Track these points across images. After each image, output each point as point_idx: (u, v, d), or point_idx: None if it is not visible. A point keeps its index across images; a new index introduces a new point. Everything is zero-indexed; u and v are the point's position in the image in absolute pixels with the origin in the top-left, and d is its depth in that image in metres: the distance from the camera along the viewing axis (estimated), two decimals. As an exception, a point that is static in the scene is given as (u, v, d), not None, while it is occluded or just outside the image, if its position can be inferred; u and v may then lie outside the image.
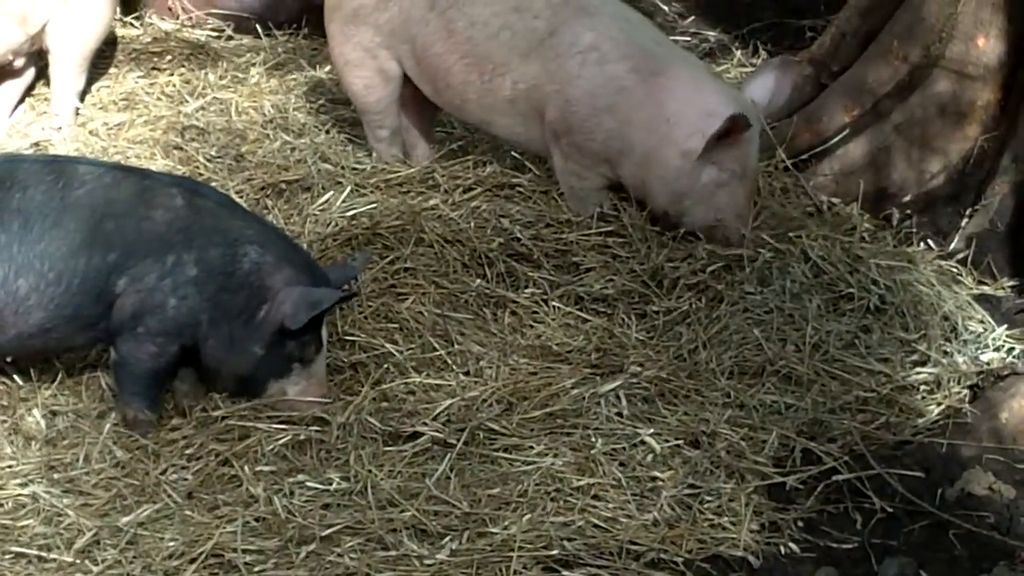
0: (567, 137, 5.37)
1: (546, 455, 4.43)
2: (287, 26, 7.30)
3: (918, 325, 5.09)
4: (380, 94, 5.76)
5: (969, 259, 5.59)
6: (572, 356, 4.86)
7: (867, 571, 4.20)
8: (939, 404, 4.77)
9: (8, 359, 4.68)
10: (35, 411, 4.63)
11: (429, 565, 4.05)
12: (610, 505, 4.27)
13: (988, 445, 4.58)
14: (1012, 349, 5.05)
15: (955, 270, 5.54)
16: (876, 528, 4.32)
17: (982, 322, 5.20)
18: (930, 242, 5.72)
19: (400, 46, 5.64)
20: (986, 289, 5.47)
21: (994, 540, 4.29)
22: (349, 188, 5.54)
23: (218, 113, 6.35)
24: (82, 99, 6.48)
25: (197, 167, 5.85)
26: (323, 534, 4.13)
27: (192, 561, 4.05)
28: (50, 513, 4.25)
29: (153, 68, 6.86)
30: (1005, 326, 5.16)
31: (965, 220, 5.79)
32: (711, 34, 7.57)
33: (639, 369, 4.78)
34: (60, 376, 4.75)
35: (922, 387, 4.83)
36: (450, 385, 4.70)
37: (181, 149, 6.02)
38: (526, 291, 5.14)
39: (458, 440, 4.45)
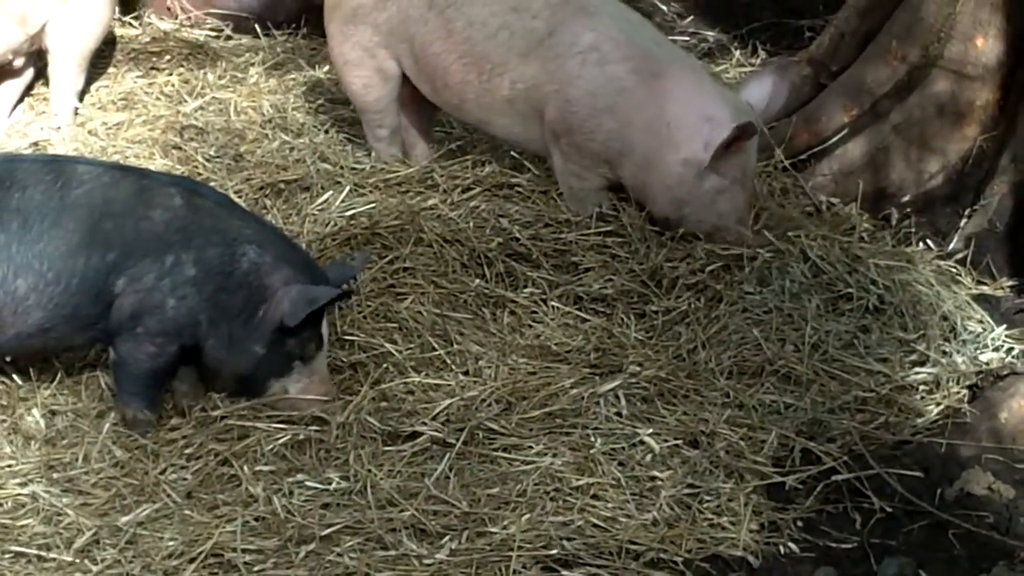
0: (567, 137, 5.37)
1: (545, 455, 4.43)
2: (286, 26, 7.30)
3: (917, 325, 5.09)
4: (379, 93, 5.76)
5: (968, 259, 5.59)
6: (571, 356, 4.86)
7: (866, 571, 4.20)
8: (938, 404, 4.77)
9: (7, 359, 4.68)
10: (34, 411, 4.63)
11: (428, 565, 4.05)
12: (609, 505, 4.27)
13: (987, 445, 4.58)
14: (1011, 349, 5.05)
15: (954, 270, 5.54)
16: (875, 528, 4.32)
17: (981, 322, 5.20)
18: (929, 242, 5.72)
19: (398, 45, 5.63)
20: (985, 289, 5.47)
21: (993, 540, 4.28)
22: (348, 188, 5.54)
23: (217, 113, 6.35)
24: (81, 99, 6.48)
25: (196, 167, 5.85)
26: (322, 534, 4.13)
27: (191, 561, 4.05)
28: (49, 512, 4.25)
29: (152, 68, 6.86)
30: (1004, 326, 5.16)
31: (964, 220, 5.79)
32: (710, 34, 7.57)
33: (638, 369, 4.78)
34: (59, 376, 4.75)
35: (921, 387, 4.84)
36: (449, 385, 4.70)
37: (180, 149, 6.02)
38: (525, 291, 5.13)
39: (457, 440, 4.45)
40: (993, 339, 5.09)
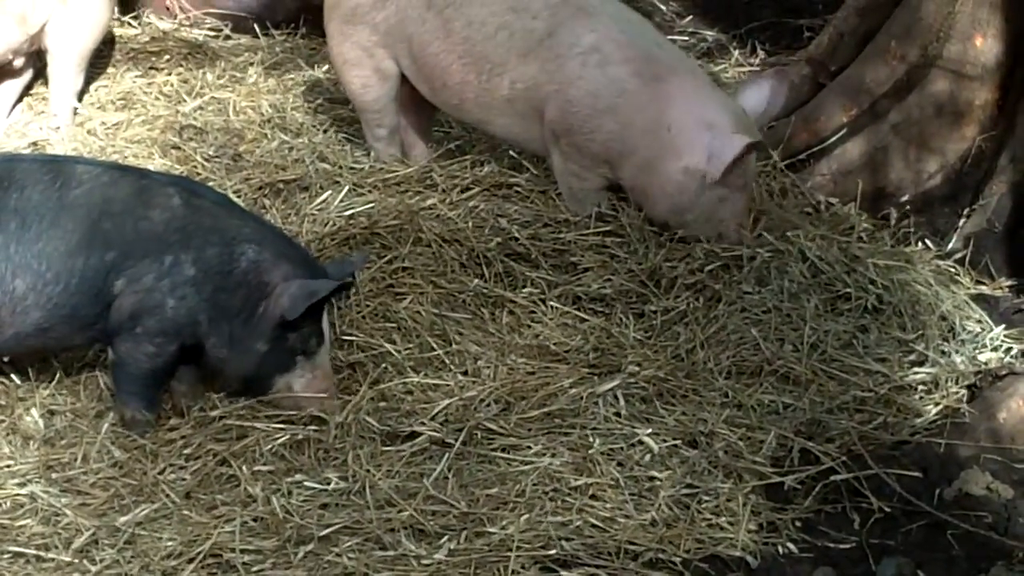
0: (567, 138, 5.37)
1: (544, 455, 4.43)
2: (285, 26, 7.30)
3: (916, 325, 5.09)
4: (377, 93, 5.76)
5: (967, 259, 5.59)
6: (570, 356, 4.86)
7: (865, 571, 4.20)
8: (937, 404, 4.77)
9: (6, 359, 4.67)
10: (33, 411, 4.63)
11: (427, 565, 4.05)
12: (608, 505, 4.27)
13: (986, 445, 4.58)
14: (1010, 349, 5.05)
15: (953, 270, 5.54)
16: (874, 528, 4.32)
17: (980, 322, 5.20)
18: (928, 242, 5.72)
19: (397, 45, 5.63)
20: (984, 289, 5.47)
21: (992, 540, 4.29)
22: (347, 187, 5.53)
23: (216, 113, 6.35)
24: (80, 99, 6.48)
25: (195, 167, 5.84)
26: (321, 534, 4.13)
27: (190, 561, 4.05)
28: (48, 513, 4.25)
29: (151, 68, 6.86)
30: (1003, 326, 5.16)
31: (963, 220, 5.79)
32: (709, 34, 7.57)
33: (637, 369, 4.78)
34: (58, 376, 4.75)
35: (920, 387, 4.83)
36: (448, 385, 4.70)
37: (179, 148, 6.02)
38: (524, 291, 5.13)
39: (456, 440, 4.45)
40: (992, 339, 5.09)
